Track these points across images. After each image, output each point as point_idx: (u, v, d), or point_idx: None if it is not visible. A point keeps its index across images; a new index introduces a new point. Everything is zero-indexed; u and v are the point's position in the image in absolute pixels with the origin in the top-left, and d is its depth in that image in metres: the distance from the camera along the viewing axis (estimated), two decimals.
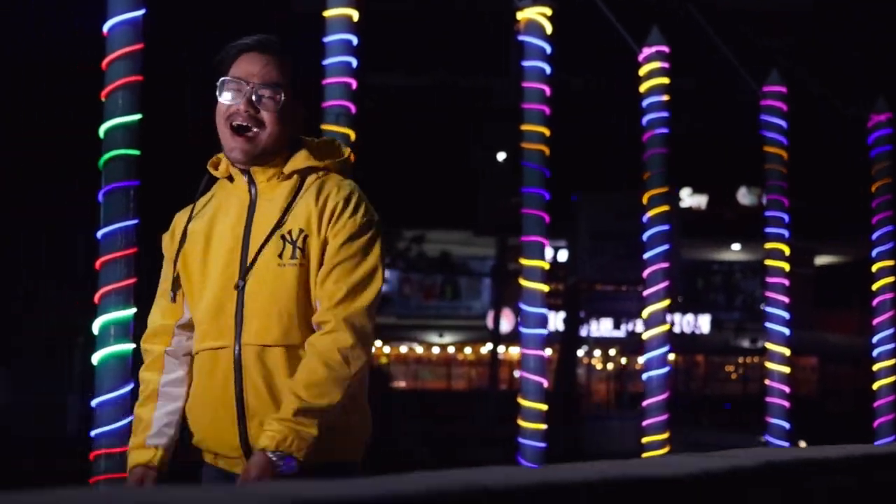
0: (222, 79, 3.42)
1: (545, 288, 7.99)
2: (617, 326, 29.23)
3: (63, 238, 24.35)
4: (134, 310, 5.79)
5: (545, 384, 7.90)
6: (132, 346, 5.58)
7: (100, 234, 5.84)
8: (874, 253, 10.59)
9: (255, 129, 3.37)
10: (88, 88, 6.23)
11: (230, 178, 3.47)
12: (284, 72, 3.42)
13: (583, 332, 28.34)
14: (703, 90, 23.14)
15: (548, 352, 9.04)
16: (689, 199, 35.94)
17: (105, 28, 5.92)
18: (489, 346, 28.03)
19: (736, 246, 36.62)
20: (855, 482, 2.21)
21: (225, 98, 3.41)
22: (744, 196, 35.76)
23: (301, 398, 3.21)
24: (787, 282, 9.82)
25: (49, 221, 23.50)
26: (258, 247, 3.34)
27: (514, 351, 27.71)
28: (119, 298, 5.75)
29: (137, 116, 5.92)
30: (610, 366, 35.20)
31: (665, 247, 9.06)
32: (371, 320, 3.36)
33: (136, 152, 5.92)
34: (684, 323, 36.19)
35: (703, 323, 36.55)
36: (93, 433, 5.63)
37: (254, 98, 3.38)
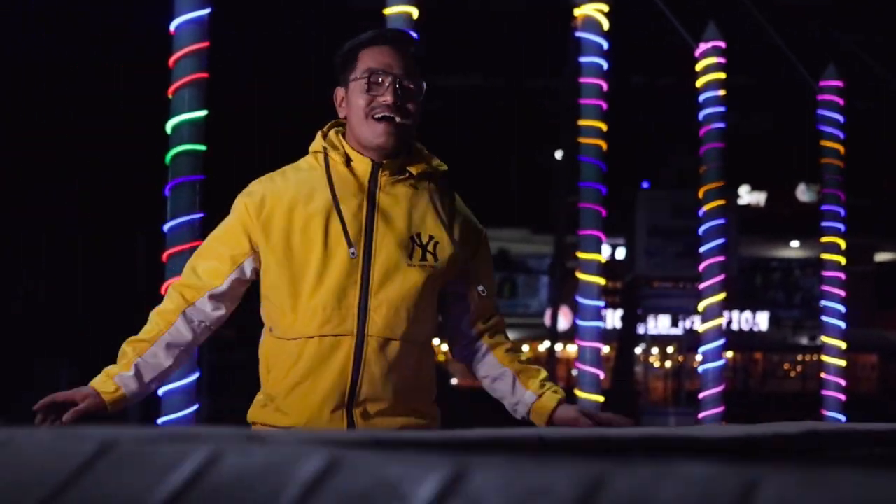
0: (365, 69, 3.47)
1: (601, 281, 8.09)
2: (675, 324, 29.16)
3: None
4: None
5: (601, 376, 7.99)
6: None
7: (166, 227, 5.99)
8: None
9: (401, 120, 3.43)
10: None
11: (347, 161, 3.49)
12: (416, 63, 3.52)
13: (640, 330, 28.30)
14: (763, 86, 23.09)
15: (605, 349, 9.12)
16: (748, 196, 35.83)
17: (172, 26, 6.07)
18: (546, 343, 28.09)
19: (795, 243, 36.44)
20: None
21: (367, 91, 3.45)
22: (803, 193, 35.59)
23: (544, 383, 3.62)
24: (843, 275, 9.85)
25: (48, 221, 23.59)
26: (386, 242, 3.41)
27: (572, 349, 27.74)
28: None
29: (203, 112, 6.08)
30: (668, 363, 35.12)
31: (721, 241, 9.13)
32: None
33: (203, 147, 6.07)
34: (742, 320, 36.04)
35: (762, 320, 36.38)
36: (159, 421, 5.80)
37: (398, 89, 3.44)
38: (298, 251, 3.41)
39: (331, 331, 3.37)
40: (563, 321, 25.00)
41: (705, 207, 9.15)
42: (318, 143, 3.54)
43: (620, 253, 29.67)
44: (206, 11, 6.19)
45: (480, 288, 3.59)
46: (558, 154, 27.60)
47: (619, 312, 28.41)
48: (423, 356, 3.51)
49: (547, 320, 25.64)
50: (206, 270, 3.50)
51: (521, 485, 0.83)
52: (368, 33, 3.55)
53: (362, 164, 3.47)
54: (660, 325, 29.69)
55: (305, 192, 3.45)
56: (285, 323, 3.43)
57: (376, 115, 3.42)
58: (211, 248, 3.54)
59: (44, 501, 0.93)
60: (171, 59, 6.14)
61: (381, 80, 3.43)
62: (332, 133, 3.55)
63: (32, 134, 20.67)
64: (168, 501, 0.90)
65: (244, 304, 3.70)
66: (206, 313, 3.50)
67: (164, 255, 6.05)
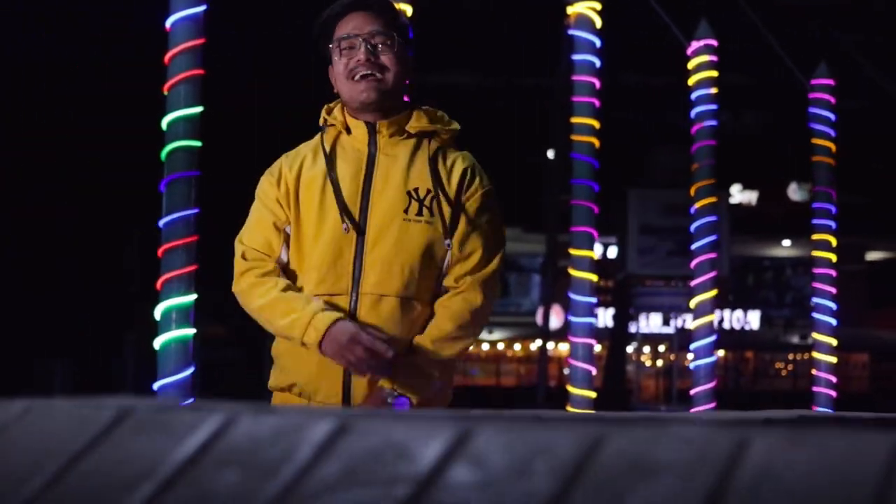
0: (335, 39, 3.61)
1: (594, 278, 8.12)
2: (666, 322, 29.23)
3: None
4: (195, 296, 5.98)
5: (593, 371, 8.03)
6: (193, 330, 5.75)
7: (162, 222, 6.03)
8: None
9: (378, 74, 3.56)
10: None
11: (347, 130, 3.62)
12: (389, 21, 3.62)
13: (632, 329, 28.36)
14: (755, 86, 23.15)
15: (597, 348, 9.16)
16: (740, 195, 35.90)
17: (168, 23, 6.12)
18: (538, 342, 28.16)
19: (786, 242, 36.52)
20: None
21: (343, 56, 3.59)
22: (794, 192, 35.66)
23: (425, 349, 3.47)
24: (833, 272, 9.90)
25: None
26: (382, 199, 3.50)
27: (563, 347, 27.78)
28: (181, 285, 5.93)
29: (199, 109, 6.11)
30: (659, 362, 35.20)
31: (712, 237, 9.18)
32: (498, 282, 3.63)
33: (198, 143, 6.11)
34: (734, 319, 36.11)
35: (753, 319, 36.45)
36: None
37: (369, 47, 3.56)
38: (302, 216, 3.55)
39: (326, 290, 3.47)
40: (555, 320, 25.04)
41: (697, 205, 9.19)
42: (322, 117, 3.68)
43: (612, 252, 29.73)
44: (202, 9, 6.22)
45: (447, 242, 3.54)
46: (550, 153, 27.66)
47: (611, 311, 28.47)
48: (424, 313, 3.54)
49: (539, 319, 25.68)
50: (266, 243, 3.60)
51: (522, 445, 0.87)
52: (333, 6, 3.69)
53: (359, 129, 3.60)
54: (651, 323, 29.75)
55: (309, 161, 3.61)
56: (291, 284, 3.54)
57: (355, 76, 3.55)
58: (259, 224, 3.64)
59: (65, 467, 0.97)
60: (167, 56, 6.18)
61: (352, 43, 3.56)
62: (335, 107, 3.67)
63: (32, 134, 20.67)
64: (185, 464, 0.94)
65: (236, 306, 3.77)
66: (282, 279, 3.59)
67: (160, 251, 6.08)
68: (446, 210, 3.54)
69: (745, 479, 0.79)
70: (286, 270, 3.61)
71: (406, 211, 3.50)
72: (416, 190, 3.52)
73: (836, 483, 0.77)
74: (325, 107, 3.71)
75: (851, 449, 0.80)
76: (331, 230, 3.49)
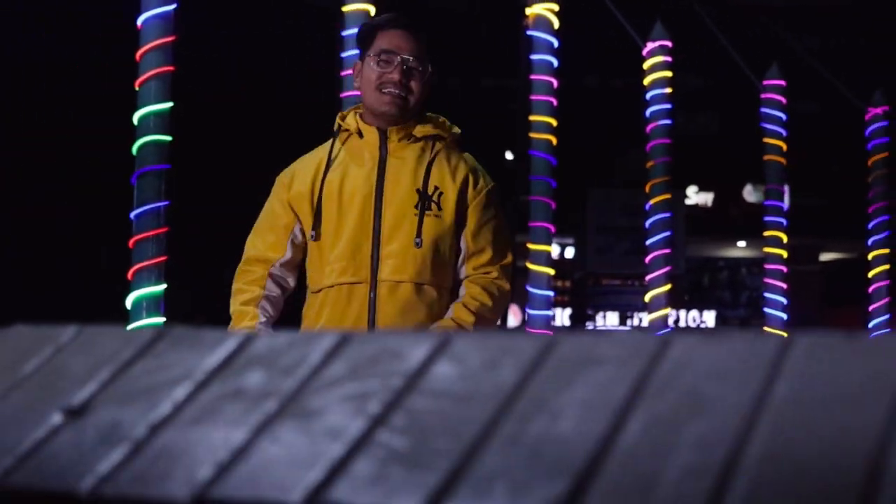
0: (377, 49, 3.93)
1: (551, 271, 8.35)
2: (623, 321, 29.51)
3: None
4: (164, 286, 6.17)
5: None
6: (163, 319, 5.94)
7: (133, 214, 6.21)
8: (870, 242, 10.93)
9: (404, 95, 3.88)
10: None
11: (360, 135, 3.96)
12: (424, 47, 3.96)
13: (589, 327, 28.64)
14: (711, 88, 23.42)
15: None
16: (696, 196, 36.20)
17: (139, 21, 6.29)
18: None
19: (741, 243, 36.85)
20: None
21: (378, 67, 3.92)
22: (750, 193, 35.99)
23: (462, 309, 3.84)
24: (784, 269, 10.17)
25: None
26: (394, 197, 3.86)
27: None
28: (151, 275, 6.12)
29: (169, 104, 6.30)
30: None
31: (666, 234, 9.43)
32: (512, 276, 4.04)
33: (168, 138, 6.29)
34: (690, 318, 36.44)
35: (709, 319, 36.78)
36: None
37: (404, 69, 3.89)
38: (323, 216, 3.91)
39: (349, 279, 3.84)
40: (513, 319, 25.28)
41: (651, 202, 9.44)
42: (336, 123, 4.03)
43: (570, 252, 29.98)
44: (172, 7, 6.39)
45: (463, 237, 3.92)
46: (509, 154, 27.88)
47: (569, 311, 28.73)
48: (440, 300, 3.91)
49: None
50: (268, 245, 4.04)
51: (492, 347, 1.09)
52: (386, 15, 4.07)
53: (371, 134, 3.97)
54: (608, 322, 30.00)
55: (325, 165, 3.99)
56: (314, 278, 3.94)
57: (384, 90, 3.88)
58: (264, 227, 4.08)
59: (116, 372, 1.18)
60: (138, 54, 6.35)
61: (390, 58, 3.89)
62: (349, 114, 4.01)
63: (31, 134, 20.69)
64: (217, 368, 1.15)
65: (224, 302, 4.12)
66: (287, 280, 4.04)
67: (131, 242, 6.24)
68: (452, 206, 3.89)
69: (666, 366, 1.01)
70: (289, 265, 4.02)
71: (416, 206, 3.86)
72: (424, 188, 3.87)
73: (734, 367, 0.99)
74: (340, 114, 4.08)
75: (750, 345, 1.02)
76: (350, 227, 3.86)
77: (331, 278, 3.86)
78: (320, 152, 4.05)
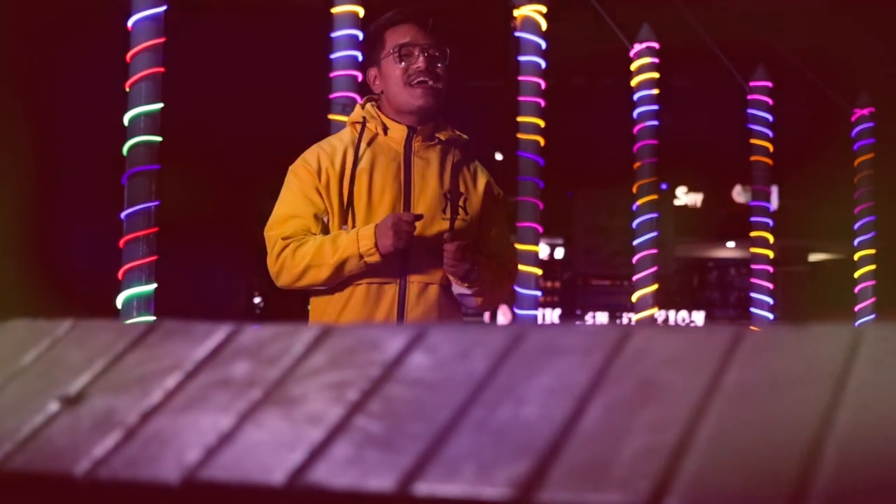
0: (394, 46, 3.90)
1: (538, 271, 8.42)
2: (612, 321, 29.61)
3: None
4: (155, 285, 6.23)
5: None
6: (153, 318, 6.00)
7: (123, 214, 6.26)
8: (856, 242, 11.01)
9: (435, 82, 3.87)
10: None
11: (384, 131, 3.94)
12: (441, 36, 3.95)
13: None
14: (701, 90, 23.49)
15: None
16: (685, 197, 36.28)
17: (129, 23, 6.35)
18: None
19: (731, 244, 36.95)
20: None
21: (401, 63, 3.90)
22: (739, 194, 36.07)
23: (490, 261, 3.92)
24: (771, 269, 10.25)
25: None
26: (422, 200, 3.87)
27: None
28: (141, 274, 6.18)
29: (159, 105, 6.36)
30: None
31: (653, 234, 9.50)
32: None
33: (158, 139, 6.35)
34: (679, 319, 36.53)
35: (698, 319, 36.89)
36: None
37: (429, 59, 3.90)
38: (348, 208, 3.88)
39: (377, 278, 3.83)
40: (503, 318, 25.37)
41: (639, 202, 9.51)
42: (356, 113, 3.99)
43: (559, 253, 30.04)
44: (162, 9, 6.44)
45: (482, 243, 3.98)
46: (499, 156, 27.95)
47: (558, 311, 28.80)
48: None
49: (486, 318, 26.05)
50: (303, 225, 3.91)
51: (464, 338, 1.16)
52: (388, 14, 4.02)
53: (398, 132, 3.95)
54: (598, 322, 30.11)
55: (350, 157, 3.89)
56: None
57: (413, 81, 3.87)
58: (288, 214, 3.94)
59: (111, 362, 1.25)
60: (129, 55, 6.40)
61: (410, 51, 3.87)
62: (368, 105, 3.96)
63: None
64: (205, 358, 1.22)
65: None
66: None
67: (122, 241, 6.29)
68: (476, 212, 3.94)
69: (626, 355, 1.08)
70: None
71: (444, 211, 3.89)
72: (450, 192, 3.88)
73: (689, 356, 1.07)
74: (359, 105, 4.03)
75: (704, 336, 1.10)
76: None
77: (359, 275, 3.83)
78: (342, 143, 3.98)
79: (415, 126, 3.93)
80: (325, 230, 3.91)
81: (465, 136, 4.05)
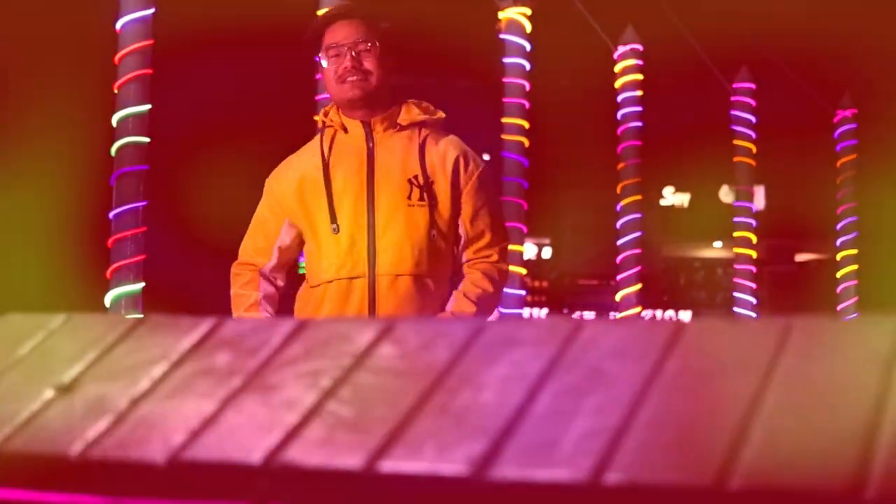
0: (324, 47, 3.99)
1: (523, 271, 8.54)
2: None
3: None
4: (143, 284, 6.31)
5: None
6: (141, 316, 6.07)
7: (112, 214, 6.34)
8: (838, 242, 11.12)
9: (361, 77, 3.94)
10: None
11: (344, 130, 4.02)
12: (371, 29, 4.00)
13: None
14: (687, 91, 23.59)
15: None
16: (672, 197, 36.40)
17: (118, 25, 6.43)
18: None
19: (717, 244, 37.06)
20: None
21: (331, 64, 3.98)
22: (725, 195, 36.20)
23: (463, 300, 3.88)
24: (753, 268, 10.36)
25: None
26: (386, 189, 3.90)
27: None
28: (129, 273, 6.26)
29: (147, 106, 6.44)
30: None
31: (637, 234, 9.61)
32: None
33: (146, 139, 6.44)
34: (666, 318, 36.65)
35: (685, 318, 37.00)
36: None
37: (354, 54, 3.95)
38: (313, 211, 3.96)
39: (346, 274, 3.89)
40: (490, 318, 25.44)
41: (623, 202, 9.62)
42: (319, 119, 4.09)
43: (547, 253, 30.14)
44: (150, 11, 6.52)
45: (461, 224, 3.95)
46: (486, 156, 27.96)
47: (545, 311, 28.92)
48: (440, 291, 3.96)
49: None
50: (256, 250, 4.10)
51: (429, 331, 1.26)
52: (319, 17, 4.10)
53: (355, 128, 3.99)
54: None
55: (314, 161, 4.01)
56: (314, 272, 3.98)
57: (342, 81, 3.94)
58: (255, 229, 4.13)
59: (102, 352, 1.35)
60: (117, 57, 6.47)
61: (338, 51, 3.95)
62: (331, 110, 4.05)
63: None
64: (189, 349, 1.32)
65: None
66: (275, 279, 4.11)
67: (110, 241, 6.36)
68: (445, 193, 3.92)
69: (576, 346, 1.18)
70: (277, 269, 4.10)
71: (409, 197, 3.89)
72: (415, 177, 3.92)
73: (634, 347, 1.16)
74: (322, 110, 4.12)
75: (649, 328, 1.19)
76: (345, 222, 3.89)
77: (330, 273, 3.90)
78: (305, 152, 4.08)
79: (367, 119, 3.98)
80: (284, 242, 4.08)
81: (434, 116, 4.06)
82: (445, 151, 3.97)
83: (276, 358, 1.28)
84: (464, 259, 3.96)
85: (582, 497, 1.00)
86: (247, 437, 1.15)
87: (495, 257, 3.94)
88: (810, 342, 1.12)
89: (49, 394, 1.29)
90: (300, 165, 4.04)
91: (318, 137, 4.08)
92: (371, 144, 3.95)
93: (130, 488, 1.14)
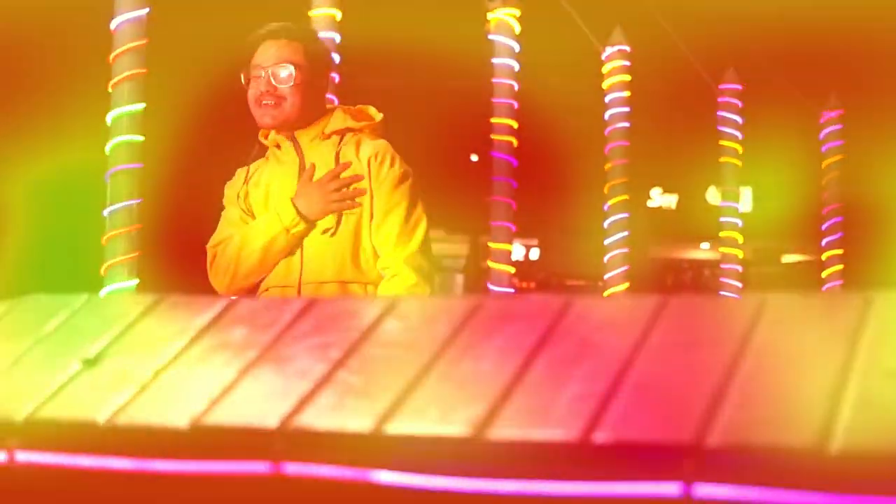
0: (246, 69, 4.02)
1: (511, 269, 8.61)
2: None
3: None
4: (137, 281, 6.39)
5: None
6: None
7: (106, 212, 6.42)
8: (823, 243, 11.22)
9: (275, 103, 3.94)
10: None
11: (278, 147, 4.06)
12: (295, 51, 4.01)
13: None
14: (675, 93, 23.68)
15: None
16: (660, 199, 36.49)
17: (112, 25, 6.51)
18: None
19: (705, 245, 37.18)
20: None
21: (251, 85, 4.01)
22: (712, 196, 36.29)
23: None
24: (740, 268, 10.45)
25: None
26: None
27: None
28: (124, 271, 6.34)
29: (141, 105, 6.52)
30: None
31: (624, 233, 9.69)
32: (426, 257, 3.89)
33: (140, 138, 6.52)
34: None
35: None
36: None
37: (272, 79, 3.97)
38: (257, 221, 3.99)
39: (279, 283, 3.89)
40: None
41: (610, 202, 9.69)
42: (259, 139, 4.11)
43: (535, 254, 30.21)
44: (145, 11, 6.58)
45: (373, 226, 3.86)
46: (474, 157, 28.07)
47: None
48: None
49: None
50: (224, 236, 4.05)
51: (431, 307, 1.36)
52: (251, 35, 4.09)
53: (284, 143, 4.02)
54: None
55: (257, 177, 4.04)
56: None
57: (257, 104, 3.97)
58: (223, 227, 4.09)
59: (125, 328, 1.44)
60: (112, 56, 6.54)
61: (257, 73, 3.98)
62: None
63: None
64: (207, 325, 1.41)
65: None
66: None
67: (104, 239, 6.43)
68: (366, 197, 3.86)
69: (568, 320, 1.28)
70: None
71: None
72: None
73: (621, 320, 1.26)
74: (261, 132, 4.12)
75: (635, 303, 1.29)
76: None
77: (266, 280, 3.91)
78: (253, 165, 4.10)
79: (291, 135, 3.99)
80: None
81: (361, 121, 4.01)
82: (361, 150, 3.92)
83: (289, 332, 1.37)
84: (378, 267, 3.87)
85: (574, 454, 1.09)
86: (263, 403, 1.24)
87: (405, 267, 3.81)
88: (783, 316, 1.22)
89: (76, 367, 1.38)
90: (249, 180, 4.06)
91: (265, 152, 4.09)
92: (301, 156, 3.97)
93: (156, 451, 1.24)
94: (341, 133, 3.99)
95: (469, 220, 24.04)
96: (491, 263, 8.54)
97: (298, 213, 3.83)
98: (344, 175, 3.89)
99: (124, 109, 6.45)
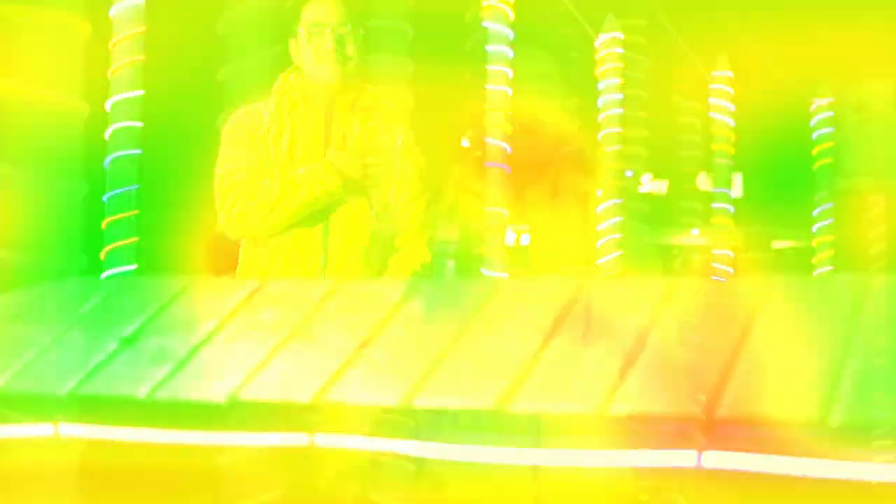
0: (306, 23, 4.06)
1: (504, 255, 8.68)
2: None
3: None
4: (136, 265, 6.45)
5: None
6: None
7: (105, 197, 6.48)
8: (814, 229, 11.29)
9: (342, 62, 4.00)
10: None
11: (305, 100, 4.09)
12: (353, 11, 4.07)
13: None
14: (666, 79, 23.72)
15: None
16: (650, 184, 36.54)
17: (111, 12, 6.56)
18: None
19: (695, 230, 37.21)
20: None
21: (310, 41, 4.06)
22: (703, 182, 36.34)
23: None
24: (731, 253, 10.52)
25: None
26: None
27: None
28: (123, 255, 6.40)
29: (140, 92, 6.57)
30: None
31: (616, 219, 9.77)
32: (432, 240, 3.94)
33: (139, 124, 6.57)
34: None
35: None
36: None
37: (337, 37, 4.03)
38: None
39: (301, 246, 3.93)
40: None
41: (601, 188, 9.75)
42: (278, 85, 4.13)
43: (525, 240, 30.24)
44: None
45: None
46: (465, 142, 28.03)
47: None
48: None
49: None
50: (250, 176, 4.05)
51: (454, 288, 1.43)
52: None
53: (317, 99, 4.05)
54: None
55: (274, 123, 4.04)
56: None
57: (321, 61, 4.01)
58: (240, 156, 4.08)
59: (160, 308, 1.52)
60: (111, 43, 6.59)
61: (320, 30, 4.03)
62: (293, 77, 4.12)
63: None
64: (237, 306, 1.49)
65: None
66: None
67: (104, 223, 6.49)
68: (392, 169, 4.01)
69: (582, 301, 1.36)
70: None
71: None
72: (370, 158, 4.01)
73: (634, 300, 1.34)
74: (282, 75, 4.15)
75: (645, 284, 1.37)
76: None
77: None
78: (263, 109, 4.03)
79: (331, 98, 4.02)
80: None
81: (382, 95, 4.10)
82: (390, 131, 3.81)
83: (318, 312, 1.45)
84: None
85: (591, 425, 1.17)
86: (295, 380, 1.32)
87: (418, 250, 3.79)
88: (786, 297, 1.30)
89: (113, 345, 1.46)
90: (264, 123, 3.84)
91: (274, 100, 4.05)
92: (329, 118, 4.01)
93: (194, 423, 1.31)
94: (372, 106, 4.07)
95: (460, 204, 24.08)
96: (484, 249, 8.59)
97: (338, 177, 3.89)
98: (374, 150, 3.95)
99: (123, 96, 6.52)
